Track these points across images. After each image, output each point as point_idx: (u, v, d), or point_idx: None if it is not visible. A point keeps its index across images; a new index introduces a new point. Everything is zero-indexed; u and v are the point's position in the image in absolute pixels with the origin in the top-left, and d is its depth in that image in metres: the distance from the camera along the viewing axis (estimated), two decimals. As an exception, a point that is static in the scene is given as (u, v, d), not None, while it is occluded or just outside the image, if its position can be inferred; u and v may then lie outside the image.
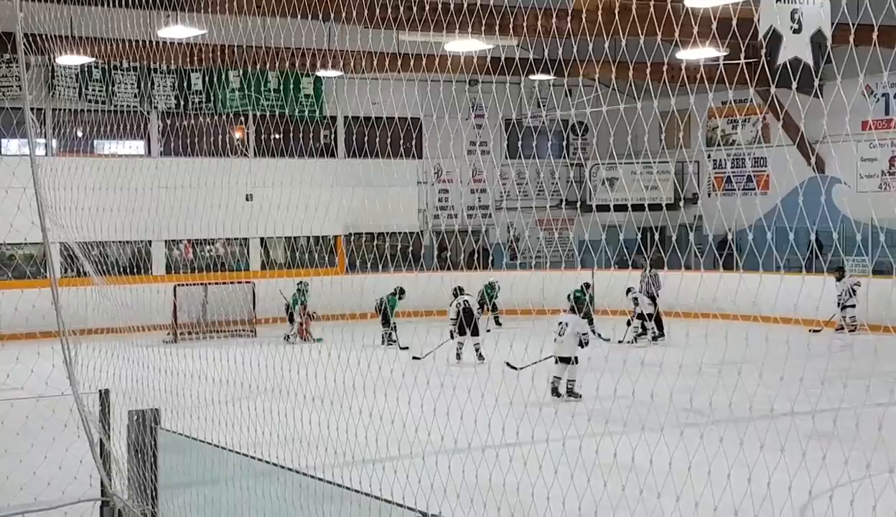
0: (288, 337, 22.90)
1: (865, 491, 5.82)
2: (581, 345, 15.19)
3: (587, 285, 22.08)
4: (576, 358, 15.18)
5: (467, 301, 19.83)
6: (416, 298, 22.07)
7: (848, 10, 5.45)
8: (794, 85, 11.95)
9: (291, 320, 23.47)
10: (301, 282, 23.62)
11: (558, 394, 14.92)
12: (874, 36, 4.98)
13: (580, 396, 14.64)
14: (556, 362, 15.26)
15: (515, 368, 14.37)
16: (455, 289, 20.61)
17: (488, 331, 22.01)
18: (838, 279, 21.41)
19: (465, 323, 19.20)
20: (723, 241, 23.48)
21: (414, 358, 17.02)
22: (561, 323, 15.43)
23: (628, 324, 21.56)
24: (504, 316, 24.83)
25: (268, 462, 6.39)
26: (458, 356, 19.25)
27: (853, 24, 5.10)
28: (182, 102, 26.76)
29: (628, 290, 21.93)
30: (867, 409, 13.01)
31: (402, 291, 22.33)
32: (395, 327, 21.99)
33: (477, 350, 19.34)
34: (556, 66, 20.09)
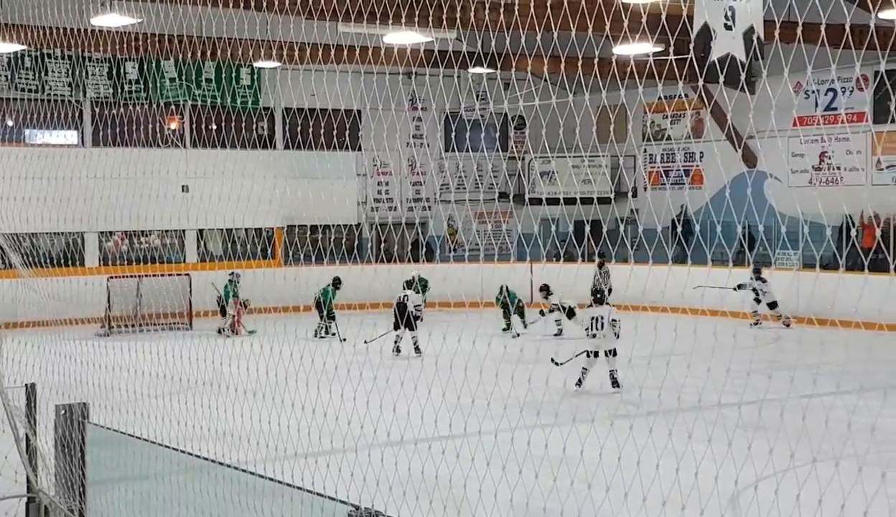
0: (221, 330, 22.71)
1: (790, 481, 5.91)
2: (616, 336, 15.40)
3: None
4: (615, 349, 15.29)
5: (406, 296, 19.85)
6: (356, 291, 22.01)
7: (775, 8, 5.53)
8: (721, 79, 12.06)
9: (224, 313, 23.29)
10: (232, 274, 23.42)
11: (580, 384, 14.73)
12: (798, 32, 5.06)
13: (620, 386, 14.58)
14: (589, 356, 15.18)
15: (559, 364, 14.55)
16: (405, 283, 20.55)
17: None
18: (753, 278, 21.18)
19: (399, 317, 19.29)
20: (683, 231, 23.80)
21: (365, 341, 17.08)
22: (595, 317, 15.41)
23: (542, 314, 21.65)
24: (435, 309, 24.00)
25: (200, 457, 6.36)
26: (397, 350, 19.30)
27: (778, 21, 5.18)
28: (116, 92, 26.45)
29: (542, 288, 21.95)
30: (791, 401, 13.28)
31: (338, 282, 22.15)
32: (333, 318, 21.89)
33: (414, 343, 19.40)
34: (489, 58, 20.18)
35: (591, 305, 15.93)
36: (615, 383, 14.78)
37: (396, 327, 19.65)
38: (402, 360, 18.03)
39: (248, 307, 23.02)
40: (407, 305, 19.55)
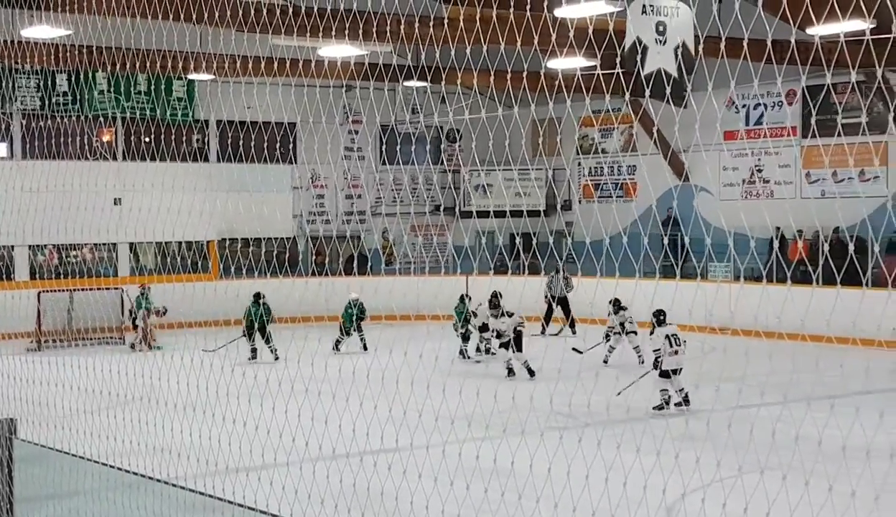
0: (133, 345, 22.39)
1: (716, 490, 6.01)
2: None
3: (466, 297, 21.62)
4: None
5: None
6: (291, 304, 21.78)
7: (699, 24, 5.64)
8: (647, 93, 12.27)
9: (136, 327, 22.94)
10: (143, 287, 23.13)
11: (667, 405, 14.26)
12: (722, 47, 5.18)
13: (689, 403, 14.22)
14: (668, 376, 14.50)
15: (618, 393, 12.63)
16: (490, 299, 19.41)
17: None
18: (614, 312, 19.02)
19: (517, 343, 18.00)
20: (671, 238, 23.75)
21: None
22: (671, 336, 14.62)
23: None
24: (370, 322, 22.47)
25: (132, 472, 6.33)
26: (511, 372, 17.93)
27: (702, 37, 5.29)
28: (46, 104, 26.14)
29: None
30: (718, 412, 13.43)
31: (259, 296, 20.96)
32: (261, 337, 20.67)
33: (525, 365, 17.82)
34: (421, 72, 20.26)
35: (659, 325, 14.82)
36: (686, 401, 14.28)
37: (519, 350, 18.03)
38: (334, 374, 17.88)
39: (165, 314, 22.59)
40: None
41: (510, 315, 18.41)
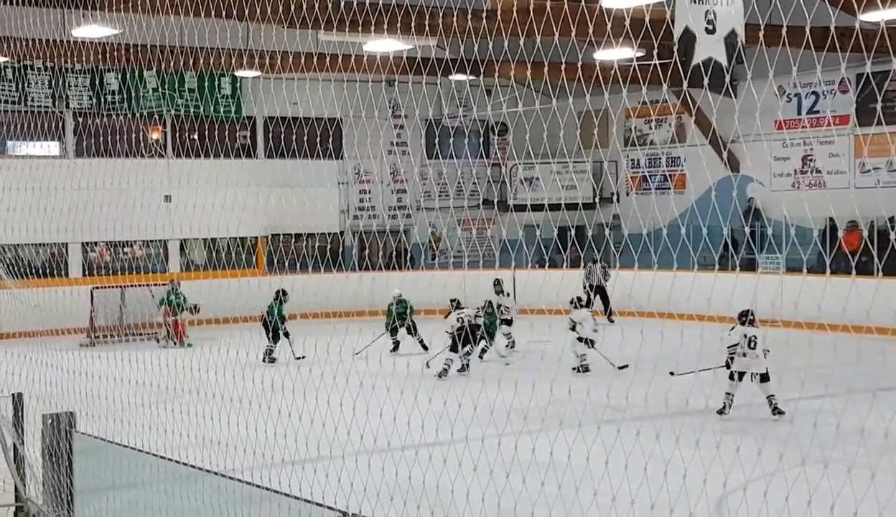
0: (158, 340, 22.54)
1: (778, 484, 5.92)
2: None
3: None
4: (767, 373, 13.93)
5: (463, 317, 17.73)
6: (337, 300, 21.71)
7: (759, 11, 5.55)
8: (706, 83, 12.14)
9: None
10: (172, 283, 23.24)
11: (726, 411, 13.64)
12: (783, 35, 5.08)
13: (783, 413, 13.34)
14: (737, 378, 13.87)
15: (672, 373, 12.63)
16: (454, 302, 18.65)
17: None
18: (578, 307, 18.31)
19: (467, 337, 17.12)
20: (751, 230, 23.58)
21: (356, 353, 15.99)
22: (748, 336, 13.95)
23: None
24: (421, 316, 21.71)
25: (188, 464, 6.35)
26: (459, 368, 16.69)
27: (763, 25, 5.20)
28: (97, 102, 26.36)
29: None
30: (779, 404, 13.28)
31: (283, 294, 19.90)
32: (287, 335, 19.11)
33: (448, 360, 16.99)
34: (471, 65, 20.21)
35: (743, 324, 14.20)
36: (776, 410, 13.49)
37: (454, 349, 17.01)
38: (389, 367, 17.81)
39: (195, 311, 22.64)
40: (475, 326, 17.73)
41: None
